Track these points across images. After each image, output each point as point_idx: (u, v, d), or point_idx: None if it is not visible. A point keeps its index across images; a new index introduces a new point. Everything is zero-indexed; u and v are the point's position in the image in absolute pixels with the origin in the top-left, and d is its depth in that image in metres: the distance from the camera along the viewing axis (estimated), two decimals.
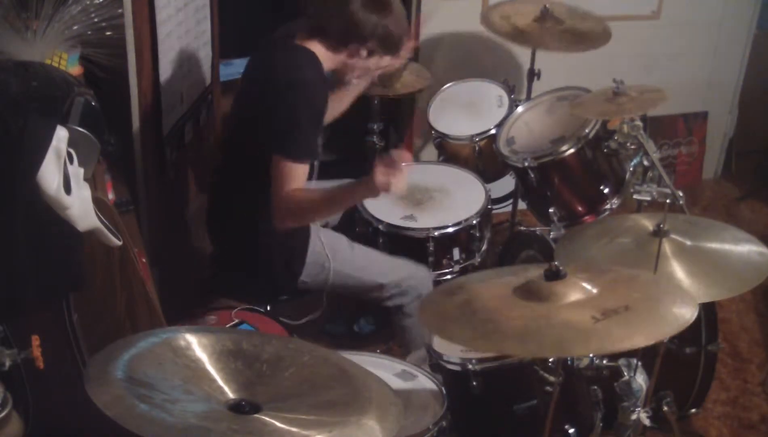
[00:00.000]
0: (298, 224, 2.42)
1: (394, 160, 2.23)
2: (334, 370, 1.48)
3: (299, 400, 1.38)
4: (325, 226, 2.70)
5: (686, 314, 1.55)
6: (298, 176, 2.31)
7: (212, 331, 1.52)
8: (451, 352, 2.17)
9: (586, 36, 3.17)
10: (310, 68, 2.37)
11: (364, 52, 2.41)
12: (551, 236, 2.74)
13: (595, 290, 1.62)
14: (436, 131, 3.22)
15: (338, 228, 2.77)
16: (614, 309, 1.54)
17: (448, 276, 2.78)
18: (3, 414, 1.52)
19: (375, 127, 3.30)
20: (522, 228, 3.24)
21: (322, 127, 2.46)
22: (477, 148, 3.12)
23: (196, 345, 1.44)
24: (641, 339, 1.50)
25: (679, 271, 1.91)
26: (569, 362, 2.04)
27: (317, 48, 2.40)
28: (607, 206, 2.81)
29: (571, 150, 2.75)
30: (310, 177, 2.44)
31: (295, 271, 2.51)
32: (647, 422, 1.94)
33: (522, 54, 3.61)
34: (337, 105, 2.70)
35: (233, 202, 2.52)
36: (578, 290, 1.61)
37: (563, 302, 1.59)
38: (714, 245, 2.01)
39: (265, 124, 2.34)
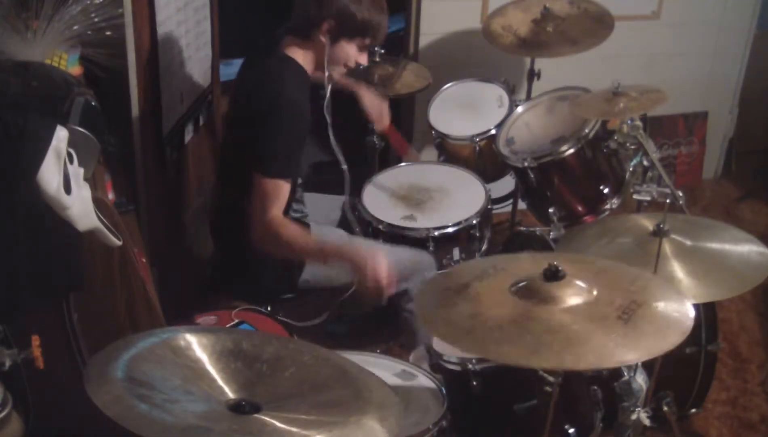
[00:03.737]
0: (271, 251, 2.36)
1: (388, 272, 2.26)
2: (334, 370, 1.48)
3: (299, 400, 1.37)
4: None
5: (688, 311, 1.56)
6: (278, 194, 2.30)
7: (212, 331, 1.51)
8: (451, 352, 2.17)
9: (589, 27, 3.17)
10: (294, 83, 2.35)
11: (324, 38, 2.36)
12: (551, 236, 2.74)
13: (594, 291, 1.62)
14: (436, 131, 3.22)
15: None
16: (629, 307, 1.54)
17: None
18: (3, 414, 1.53)
19: (375, 127, 3.30)
20: (522, 228, 3.24)
21: (305, 143, 2.45)
22: (477, 148, 3.12)
23: (196, 344, 1.44)
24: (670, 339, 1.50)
25: (679, 271, 1.91)
26: None
27: (296, 51, 2.40)
28: (607, 206, 2.81)
29: (571, 150, 2.75)
30: (296, 182, 2.44)
31: (295, 269, 2.50)
32: (647, 422, 1.94)
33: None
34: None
35: (234, 203, 2.52)
36: (579, 292, 1.61)
37: (569, 304, 1.58)
38: (714, 245, 2.02)
39: (250, 136, 2.33)
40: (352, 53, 2.43)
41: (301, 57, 2.41)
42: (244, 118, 2.40)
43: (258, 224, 2.32)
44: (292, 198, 2.50)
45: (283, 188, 2.32)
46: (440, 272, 2.50)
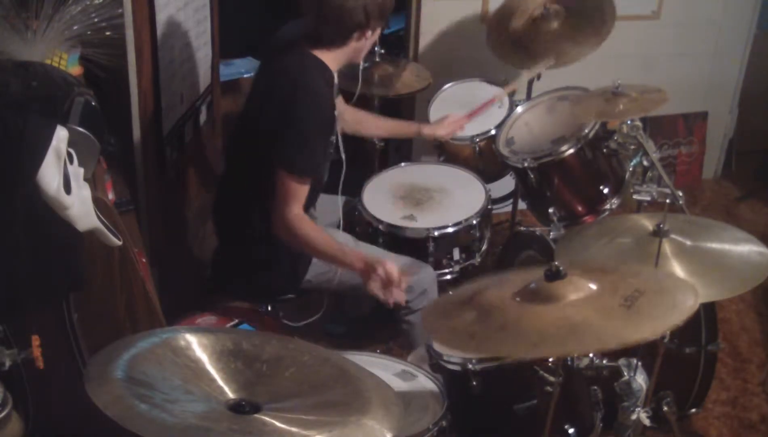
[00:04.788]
0: (290, 244, 2.40)
1: (396, 275, 2.29)
2: (334, 370, 1.48)
3: (299, 400, 1.37)
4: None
5: (689, 300, 1.57)
6: (300, 191, 2.32)
7: (212, 331, 1.52)
8: (451, 352, 2.17)
9: (590, 23, 3.16)
10: (318, 80, 2.36)
11: (369, 33, 2.40)
12: (551, 236, 2.74)
13: (595, 286, 1.62)
14: None
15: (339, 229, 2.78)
16: (631, 296, 1.55)
17: (448, 276, 2.79)
18: (3, 414, 1.52)
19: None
20: (522, 228, 3.24)
21: (331, 141, 2.46)
22: (477, 148, 3.12)
23: (196, 345, 1.44)
24: (675, 317, 1.50)
25: (679, 271, 1.91)
26: (569, 362, 2.04)
27: (322, 53, 2.39)
28: (607, 206, 2.81)
29: (571, 150, 2.75)
30: (320, 182, 2.46)
31: (300, 270, 2.51)
32: (647, 422, 1.94)
33: None
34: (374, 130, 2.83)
35: (239, 201, 2.52)
36: (582, 288, 1.62)
37: (572, 299, 1.59)
38: (714, 245, 2.01)
39: (272, 135, 2.33)
40: (379, 32, 2.49)
41: (327, 57, 2.41)
42: (264, 115, 2.39)
43: (279, 220, 2.34)
44: (314, 197, 2.50)
45: (306, 185, 2.34)
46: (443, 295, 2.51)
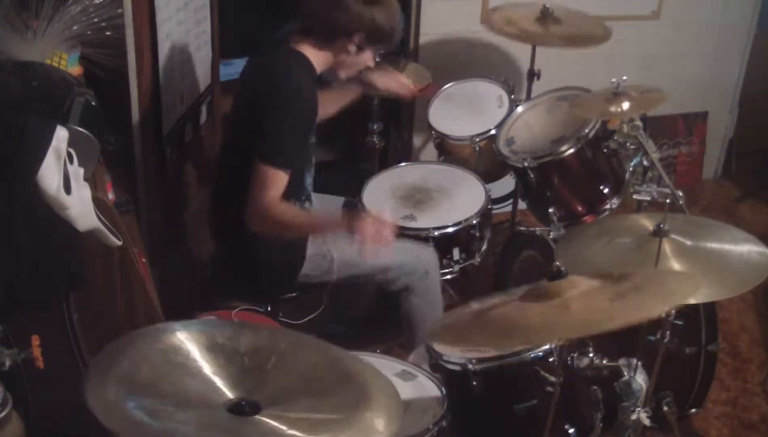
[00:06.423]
0: (270, 233, 2.37)
1: (386, 224, 2.25)
2: (316, 355, 1.47)
3: (293, 392, 1.35)
4: None
5: (691, 284, 1.59)
6: (276, 182, 2.30)
7: (188, 327, 1.48)
8: (451, 352, 2.17)
9: (585, 37, 3.17)
10: (301, 73, 2.36)
11: (352, 48, 2.40)
12: (551, 236, 2.74)
13: (597, 284, 1.63)
14: (436, 131, 3.22)
15: None
16: (626, 291, 1.56)
17: (448, 276, 2.79)
18: (3, 414, 1.53)
19: (375, 127, 3.30)
20: (522, 228, 3.24)
21: (312, 133, 2.45)
22: (477, 148, 3.12)
23: (185, 339, 1.41)
24: (662, 306, 1.51)
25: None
26: (569, 362, 2.04)
27: (308, 50, 2.40)
28: (607, 206, 2.81)
29: (571, 150, 2.75)
30: (303, 175, 2.44)
31: (296, 265, 2.50)
32: (647, 422, 1.94)
33: (522, 54, 3.60)
34: (327, 107, 2.66)
35: (233, 198, 2.52)
36: (583, 286, 1.62)
37: (572, 295, 1.60)
38: (714, 245, 2.01)
39: (254, 127, 2.34)
40: (371, 58, 2.49)
41: (313, 55, 2.42)
42: (249, 109, 2.39)
43: (253, 208, 2.31)
44: (301, 194, 2.50)
45: (283, 178, 2.31)
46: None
